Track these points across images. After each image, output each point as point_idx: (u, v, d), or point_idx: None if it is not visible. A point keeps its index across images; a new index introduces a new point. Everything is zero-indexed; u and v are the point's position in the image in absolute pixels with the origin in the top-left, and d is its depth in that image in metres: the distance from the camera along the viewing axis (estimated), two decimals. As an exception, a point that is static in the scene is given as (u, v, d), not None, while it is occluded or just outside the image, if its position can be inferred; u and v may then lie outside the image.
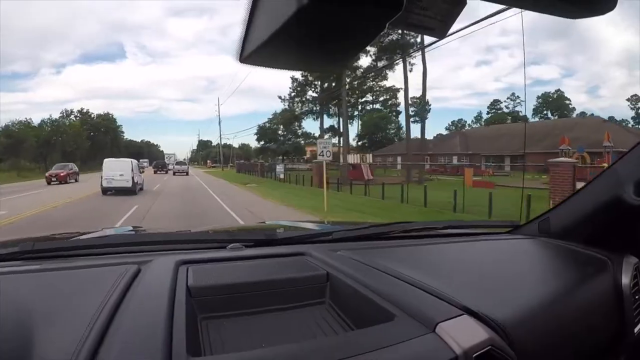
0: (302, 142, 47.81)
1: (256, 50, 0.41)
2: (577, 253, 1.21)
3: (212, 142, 70.43)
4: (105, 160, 16.54)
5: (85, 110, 56.30)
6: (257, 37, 0.41)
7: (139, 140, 76.21)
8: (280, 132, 46.54)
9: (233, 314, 0.87)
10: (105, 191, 15.52)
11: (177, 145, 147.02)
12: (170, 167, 40.44)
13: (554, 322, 0.87)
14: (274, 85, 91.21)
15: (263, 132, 46.37)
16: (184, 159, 64.51)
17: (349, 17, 0.39)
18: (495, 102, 59.97)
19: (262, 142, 48.22)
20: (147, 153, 70.82)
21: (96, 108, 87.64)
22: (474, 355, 0.65)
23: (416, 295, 0.84)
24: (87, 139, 50.64)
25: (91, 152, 49.28)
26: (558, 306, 0.92)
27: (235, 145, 60.59)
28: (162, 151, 79.39)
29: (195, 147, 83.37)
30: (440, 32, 0.46)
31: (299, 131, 46.31)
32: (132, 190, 15.72)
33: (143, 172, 22.65)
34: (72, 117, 53.85)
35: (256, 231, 1.61)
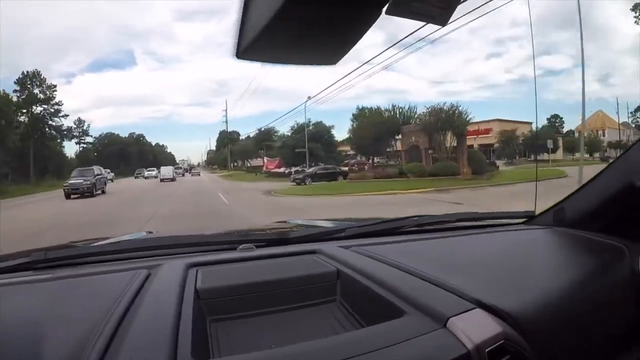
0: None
1: (252, 45, 0.41)
2: (593, 242, 1.18)
3: (239, 134, 60.07)
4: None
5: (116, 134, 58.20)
6: (251, 31, 0.40)
7: (154, 145, 73.22)
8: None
9: (243, 315, 0.87)
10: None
11: (189, 150, 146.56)
12: (180, 172, 44.64)
13: (569, 313, 0.86)
14: (289, 84, 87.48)
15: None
16: (198, 164, 71.69)
17: (342, 5, 0.39)
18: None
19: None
20: (162, 159, 67.80)
21: (106, 117, 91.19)
22: (487, 350, 0.65)
23: (427, 290, 0.82)
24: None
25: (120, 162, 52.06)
26: (574, 297, 0.90)
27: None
28: (174, 156, 77.80)
29: (211, 148, 76.46)
30: (442, 19, 0.45)
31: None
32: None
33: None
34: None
35: (268, 231, 1.60)
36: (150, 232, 1.87)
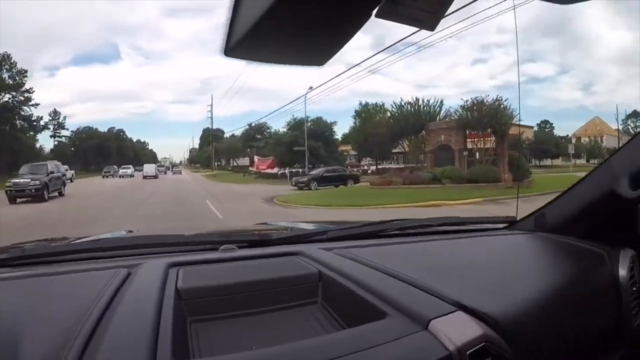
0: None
1: (240, 43, 0.41)
2: (574, 247, 1.21)
3: (223, 132, 56.46)
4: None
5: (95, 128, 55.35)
6: (240, 29, 0.40)
7: (135, 141, 69.94)
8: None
9: (224, 315, 0.87)
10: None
11: (172, 148, 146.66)
12: (162, 170, 44.13)
13: (550, 316, 0.87)
14: (274, 84, 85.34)
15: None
16: (180, 162, 70.72)
17: (333, 6, 0.39)
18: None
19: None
20: (142, 156, 65.28)
21: (89, 111, 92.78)
22: (468, 352, 0.65)
23: (409, 292, 0.82)
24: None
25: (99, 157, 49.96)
26: (555, 300, 0.91)
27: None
28: (155, 154, 75.53)
29: (194, 146, 72.82)
30: (431, 24, 0.45)
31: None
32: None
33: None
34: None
35: (250, 232, 1.57)
36: (130, 231, 1.80)
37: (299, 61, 0.46)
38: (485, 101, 18.70)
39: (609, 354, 1.02)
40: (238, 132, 47.69)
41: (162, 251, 1.15)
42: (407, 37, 18.79)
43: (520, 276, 1.03)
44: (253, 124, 42.15)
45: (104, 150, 52.82)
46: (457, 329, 0.68)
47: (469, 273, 1.01)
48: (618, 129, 44.88)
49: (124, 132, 62.57)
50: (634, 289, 1.09)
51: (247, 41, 0.40)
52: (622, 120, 48.87)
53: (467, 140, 19.63)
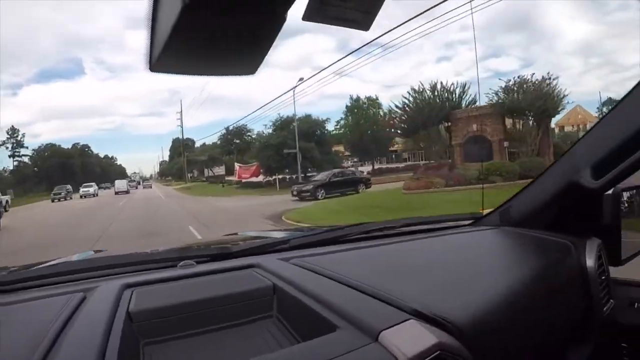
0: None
1: (164, 56, 0.39)
2: (540, 239, 1.21)
3: (194, 141, 53.93)
4: None
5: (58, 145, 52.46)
6: (160, 41, 0.39)
7: (102, 157, 67.01)
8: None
9: (178, 336, 0.85)
10: None
11: (142, 162, 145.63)
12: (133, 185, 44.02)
13: (517, 312, 0.86)
14: (242, 92, 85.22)
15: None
16: (151, 176, 70.50)
17: (241, 12, 0.38)
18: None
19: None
20: (110, 172, 62.05)
21: (54, 130, 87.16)
22: None
23: (362, 302, 0.80)
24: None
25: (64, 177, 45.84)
26: (521, 295, 0.90)
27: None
28: (124, 169, 72.79)
29: (164, 159, 68.91)
30: (365, 23, 0.44)
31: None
32: None
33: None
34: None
35: (211, 246, 1.47)
36: (99, 251, 1.78)
37: (229, 71, 0.45)
38: (529, 80, 15.50)
39: (580, 345, 1.03)
40: (209, 141, 44.55)
41: (121, 271, 1.11)
42: (375, 39, 19.18)
43: (484, 273, 1.01)
44: (231, 128, 37.63)
45: (67, 169, 49.36)
46: (410, 339, 0.65)
47: (430, 275, 0.99)
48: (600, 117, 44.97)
49: (89, 147, 59.94)
50: (602, 278, 1.10)
51: (169, 55, 0.38)
52: (597, 108, 49.58)
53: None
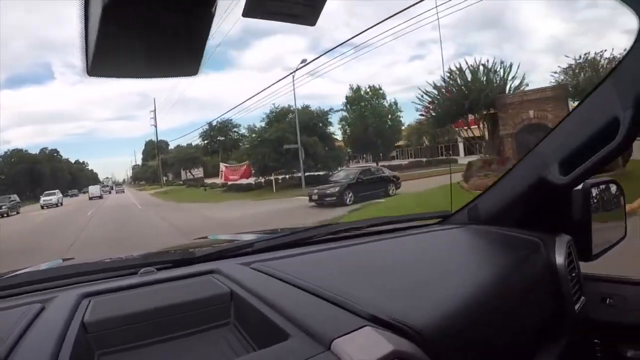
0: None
1: (98, 60, 0.38)
2: (508, 237, 1.19)
3: (167, 143, 50.27)
4: None
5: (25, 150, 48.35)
6: (92, 44, 0.37)
7: (73, 162, 62.22)
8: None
9: (134, 346, 0.83)
10: None
11: (114, 166, 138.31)
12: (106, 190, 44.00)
13: (485, 312, 0.84)
14: (213, 93, 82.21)
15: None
16: (124, 180, 68.42)
17: (166, 9, 0.36)
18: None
19: None
20: (81, 178, 58.41)
21: (27, 136, 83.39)
22: None
23: (317, 308, 0.78)
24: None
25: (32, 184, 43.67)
26: (489, 295, 0.88)
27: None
28: (97, 175, 68.87)
29: (137, 163, 65.25)
30: (310, 18, 0.43)
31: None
32: None
33: None
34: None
35: (176, 251, 1.49)
36: (69, 259, 1.72)
37: (168, 72, 0.43)
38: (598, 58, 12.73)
39: (551, 343, 1.02)
40: (184, 142, 40.93)
41: (82, 280, 1.08)
42: (349, 39, 19.66)
43: (450, 273, 0.99)
44: (214, 123, 33.50)
45: (35, 175, 45.45)
46: (364, 347, 0.63)
47: (394, 276, 0.97)
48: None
49: (58, 152, 55.19)
50: (573, 274, 1.09)
51: (104, 58, 0.37)
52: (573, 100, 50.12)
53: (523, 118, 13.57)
